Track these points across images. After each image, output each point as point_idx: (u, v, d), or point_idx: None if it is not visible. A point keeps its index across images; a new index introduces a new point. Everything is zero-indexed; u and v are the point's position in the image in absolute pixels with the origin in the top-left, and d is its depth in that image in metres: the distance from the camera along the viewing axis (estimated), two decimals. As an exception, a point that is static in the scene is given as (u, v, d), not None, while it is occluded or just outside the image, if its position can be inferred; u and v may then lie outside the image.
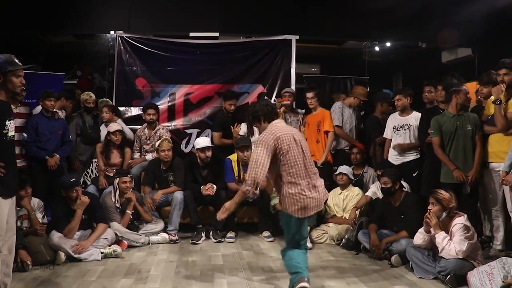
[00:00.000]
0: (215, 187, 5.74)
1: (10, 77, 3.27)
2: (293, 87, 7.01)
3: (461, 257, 3.95)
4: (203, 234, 5.64)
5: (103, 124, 6.48)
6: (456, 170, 4.84)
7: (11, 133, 3.38)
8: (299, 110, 6.67)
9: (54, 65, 7.98)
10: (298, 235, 3.66)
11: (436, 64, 8.43)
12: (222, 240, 5.57)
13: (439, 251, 4.10)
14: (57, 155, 5.64)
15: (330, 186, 6.01)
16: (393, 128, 5.75)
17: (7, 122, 3.32)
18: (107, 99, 7.13)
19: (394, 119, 5.80)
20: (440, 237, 4.08)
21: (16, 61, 3.31)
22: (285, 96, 6.54)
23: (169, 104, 7.01)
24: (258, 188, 3.47)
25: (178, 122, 7.01)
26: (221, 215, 3.62)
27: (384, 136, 5.90)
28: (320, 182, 3.73)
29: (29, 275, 4.27)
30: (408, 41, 8.06)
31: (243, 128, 6.34)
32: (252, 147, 5.76)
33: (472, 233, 4.05)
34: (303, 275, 3.46)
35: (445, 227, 4.15)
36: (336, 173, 5.83)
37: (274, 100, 6.91)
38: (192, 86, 7.04)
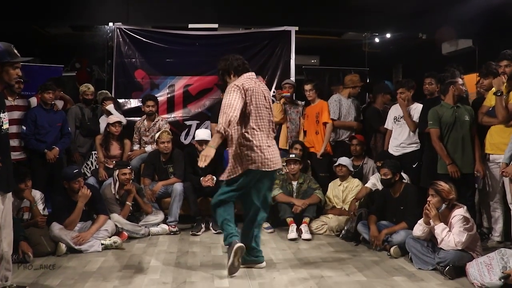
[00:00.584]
0: (214, 178, 5.74)
1: (7, 68, 3.20)
2: (292, 78, 7.00)
3: (460, 248, 3.96)
4: (203, 226, 5.66)
5: (102, 116, 6.47)
6: (452, 165, 4.83)
7: (6, 125, 3.31)
8: (299, 102, 6.67)
9: (53, 57, 7.96)
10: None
11: (437, 56, 8.41)
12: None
13: (438, 242, 4.10)
14: (57, 148, 5.63)
15: (329, 177, 6.04)
16: (394, 119, 5.75)
17: (1, 115, 3.25)
18: (106, 91, 7.12)
19: (395, 110, 5.82)
20: (439, 229, 4.09)
21: (15, 51, 3.24)
22: (285, 87, 6.54)
23: (169, 95, 7.00)
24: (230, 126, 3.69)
25: (178, 114, 7.00)
26: (202, 163, 3.70)
27: (385, 126, 5.90)
28: (273, 143, 4.12)
29: (30, 266, 4.29)
30: (408, 32, 8.04)
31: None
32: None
33: (472, 224, 4.06)
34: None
35: (445, 218, 4.16)
36: (335, 164, 5.83)
37: (274, 92, 6.90)
38: (191, 78, 7.03)
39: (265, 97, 4.07)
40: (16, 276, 3.80)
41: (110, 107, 6.34)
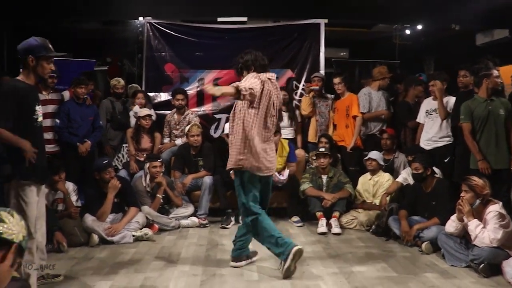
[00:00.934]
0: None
1: (42, 62, 3.26)
2: (322, 71, 6.94)
3: (495, 245, 3.86)
4: (232, 219, 5.68)
5: (133, 110, 6.55)
6: (482, 161, 4.68)
7: (40, 118, 3.40)
8: (328, 95, 6.61)
9: (84, 52, 8.09)
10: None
11: (470, 47, 8.18)
12: (251, 225, 5.60)
13: (472, 239, 4.01)
14: (88, 142, 5.72)
15: (359, 171, 5.98)
16: (426, 112, 5.63)
17: (36, 107, 3.33)
18: (137, 85, 7.20)
19: (427, 103, 5.69)
20: (473, 225, 3.99)
21: (50, 47, 3.31)
22: (314, 80, 6.50)
23: (198, 89, 7.04)
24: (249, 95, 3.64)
25: (207, 107, 7.03)
26: (205, 87, 3.77)
27: (417, 120, 5.79)
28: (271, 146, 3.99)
29: (64, 256, 4.41)
30: (440, 23, 7.84)
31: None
32: (281, 132, 5.77)
33: (508, 221, 3.94)
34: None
35: (479, 214, 4.06)
36: (365, 158, 5.77)
37: (303, 85, 6.85)
38: (221, 71, 7.04)
39: (274, 105, 3.95)
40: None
41: (136, 108, 6.42)
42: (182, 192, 5.81)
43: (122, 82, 6.68)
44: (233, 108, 3.98)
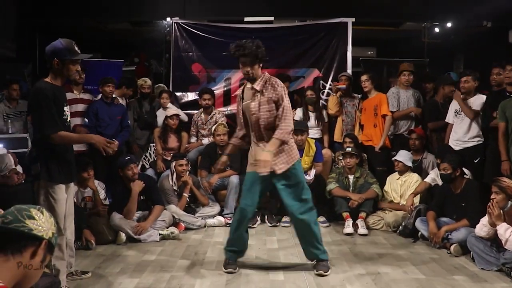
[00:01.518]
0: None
1: (68, 64, 3.31)
2: (349, 70, 6.89)
3: (528, 248, 3.76)
4: (258, 218, 5.68)
5: (160, 109, 6.62)
6: (505, 162, 4.58)
7: (69, 118, 3.49)
8: (355, 95, 6.56)
9: (112, 52, 8.24)
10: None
11: (503, 45, 7.97)
12: (277, 224, 5.59)
13: (503, 243, 3.89)
14: (116, 142, 5.78)
15: (387, 171, 5.91)
16: (455, 112, 5.50)
17: (65, 108, 3.40)
18: (163, 85, 7.27)
19: (456, 103, 5.53)
20: (502, 229, 3.87)
21: (76, 48, 3.34)
22: (341, 80, 6.45)
23: (225, 89, 7.08)
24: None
25: (234, 107, 7.03)
26: (262, 170, 3.66)
27: (446, 120, 5.66)
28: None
29: (92, 253, 4.49)
30: (471, 20, 7.67)
31: (298, 113, 6.31)
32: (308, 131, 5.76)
33: (540, 223, 3.84)
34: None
35: (510, 216, 3.95)
36: (393, 158, 5.69)
37: (330, 85, 6.81)
38: (248, 71, 7.03)
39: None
40: (79, 263, 3.97)
41: (170, 105, 6.48)
42: (209, 190, 5.84)
43: (149, 82, 6.77)
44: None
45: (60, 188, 3.37)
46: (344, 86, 6.38)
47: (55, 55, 3.27)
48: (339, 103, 6.37)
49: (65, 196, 3.43)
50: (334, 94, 6.46)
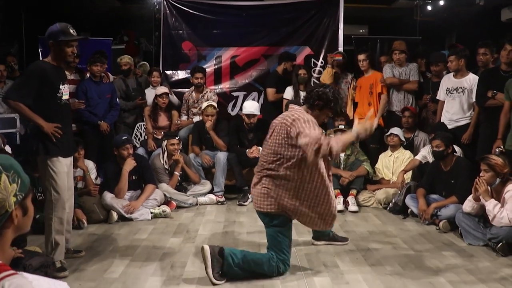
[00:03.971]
0: (260, 149, 5.75)
1: (63, 46, 3.42)
2: (340, 48, 6.84)
3: (514, 224, 3.82)
4: (249, 196, 5.71)
5: (149, 88, 6.57)
6: (498, 140, 4.63)
7: (66, 96, 3.57)
8: (348, 73, 6.53)
9: (101, 31, 8.11)
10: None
11: (495, 23, 7.95)
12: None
13: (490, 219, 3.95)
14: (107, 123, 5.76)
15: (380, 149, 5.94)
16: (446, 91, 5.49)
17: (60, 86, 3.50)
18: (146, 63, 7.17)
19: (448, 81, 5.50)
20: (491, 205, 3.93)
21: (71, 31, 3.44)
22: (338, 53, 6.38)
23: (216, 67, 7.02)
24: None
25: (225, 85, 7.02)
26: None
27: (437, 97, 5.66)
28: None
29: (84, 233, 4.50)
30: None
31: (288, 92, 6.29)
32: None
33: (528, 200, 3.88)
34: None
35: (498, 194, 4.00)
36: (387, 134, 5.71)
37: (321, 62, 6.77)
38: (238, 49, 7.00)
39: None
40: (72, 242, 3.97)
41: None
42: (210, 163, 5.86)
43: (125, 58, 6.55)
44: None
45: (59, 161, 3.48)
46: (340, 58, 6.35)
47: (51, 37, 3.42)
48: (333, 76, 6.30)
49: (66, 169, 3.53)
50: (329, 65, 6.39)
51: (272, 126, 3.38)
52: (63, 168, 3.49)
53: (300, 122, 3.11)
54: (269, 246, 3.38)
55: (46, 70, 3.43)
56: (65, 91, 3.55)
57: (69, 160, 3.64)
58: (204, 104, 6.03)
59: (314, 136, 2.95)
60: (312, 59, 7.00)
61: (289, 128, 3.15)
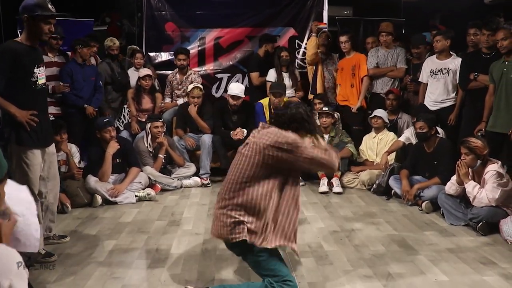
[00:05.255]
0: (245, 131, 5.75)
1: (38, 22, 3.11)
2: (325, 30, 6.81)
3: (494, 204, 3.89)
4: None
5: (131, 69, 6.49)
6: (483, 123, 4.71)
7: (42, 80, 3.30)
8: (333, 54, 6.51)
9: (83, 12, 7.93)
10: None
11: (478, 5, 7.96)
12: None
13: (471, 200, 4.03)
14: (93, 106, 5.70)
15: (363, 131, 5.97)
16: (430, 72, 5.49)
17: (35, 70, 3.22)
18: (136, 46, 7.09)
19: (431, 63, 5.50)
20: (470, 187, 4.01)
21: (50, 6, 3.14)
22: (322, 36, 6.32)
23: (199, 48, 6.95)
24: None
25: (209, 67, 6.97)
26: None
27: (420, 79, 5.68)
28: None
29: (68, 217, 4.48)
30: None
31: (271, 74, 6.26)
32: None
33: (506, 180, 3.95)
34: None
35: (479, 175, 4.06)
36: (371, 116, 5.74)
37: (305, 44, 6.74)
38: (222, 30, 6.93)
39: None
40: (55, 226, 3.95)
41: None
42: (193, 146, 5.86)
43: (117, 42, 6.51)
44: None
45: (33, 153, 3.27)
46: (325, 25, 6.30)
47: (25, 11, 3.09)
48: (317, 45, 6.24)
49: (40, 161, 3.33)
50: (313, 34, 6.34)
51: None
52: (36, 160, 3.26)
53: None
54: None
55: (18, 51, 3.11)
56: (40, 74, 3.25)
57: (50, 149, 3.44)
58: (190, 86, 5.98)
59: None
60: (297, 40, 6.98)
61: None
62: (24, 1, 3.12)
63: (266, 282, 2.62)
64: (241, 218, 2.63)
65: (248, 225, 2.62)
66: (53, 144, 3.56)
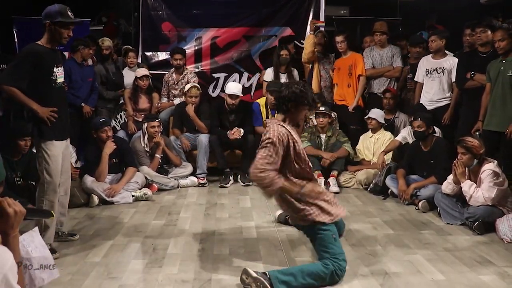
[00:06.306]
0: (242, 131, 5.76)
1: (59, 27, 3.39)
2: (322, 29, 6.81)
3: (490, 204, 3.90)
4: (231, 178, 5.72)
5: (126, 69, 6.48)
6: (479, 122, 4.71)
7: (60, 79, 3.54)
8: (330, 54, 6.51)
9: (79, 12, 7.89)
10: None
11: (474, 5, 7.98)
12: (250, 183, 5.61)
13: (467, 199, 4.04)
14: (90, 106, 5.70)
15: (361, 130, 5.98)
16: (426, 72, 5.52)
17: (54, 69, 3.47)
18: (129, 46, 7.07)
19: (426, 62, 5.52)
20: (466, 186, 4.02)
21: (69, 13, 3.42)
22: (318, 35, 6.30)
23: (196, 48, 6.94)
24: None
25: (205, 67, 6.96)
26: None
27: (415, 79, 5.70)
28: None
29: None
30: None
31: (269, 73, 6.26)
32: None
33: (502, 179, 3.96)
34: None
35: (475, 174, 4.08)
36: (366, 117, 5.75)
37: (302, 44, 6.74)
38: (219, 30, 6.93)
39: None
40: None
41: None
42: (188, 147, 5.85)
43: (106, 42, 6.43)
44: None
45: (54, 145, 3.48)
46: (323, 23, 6.30)
47: (48, 18, 3.38)
48: (315, 43, 6.23)
49: (60, 152, 3.53)
50: (311, 32, 6.33)
51: None
52: (56, 151, 3.50)
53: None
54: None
55: (41, 53, 3.39)
56: (59, 74, 3.52)
57: (65, 143, 3.64)
58: (188, 86, 5.98)
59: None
60: (296, 41, 6.97)
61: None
62: (46, 8, 3.42)
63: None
64: None
65: None
66: (69, 138, 3.75)
